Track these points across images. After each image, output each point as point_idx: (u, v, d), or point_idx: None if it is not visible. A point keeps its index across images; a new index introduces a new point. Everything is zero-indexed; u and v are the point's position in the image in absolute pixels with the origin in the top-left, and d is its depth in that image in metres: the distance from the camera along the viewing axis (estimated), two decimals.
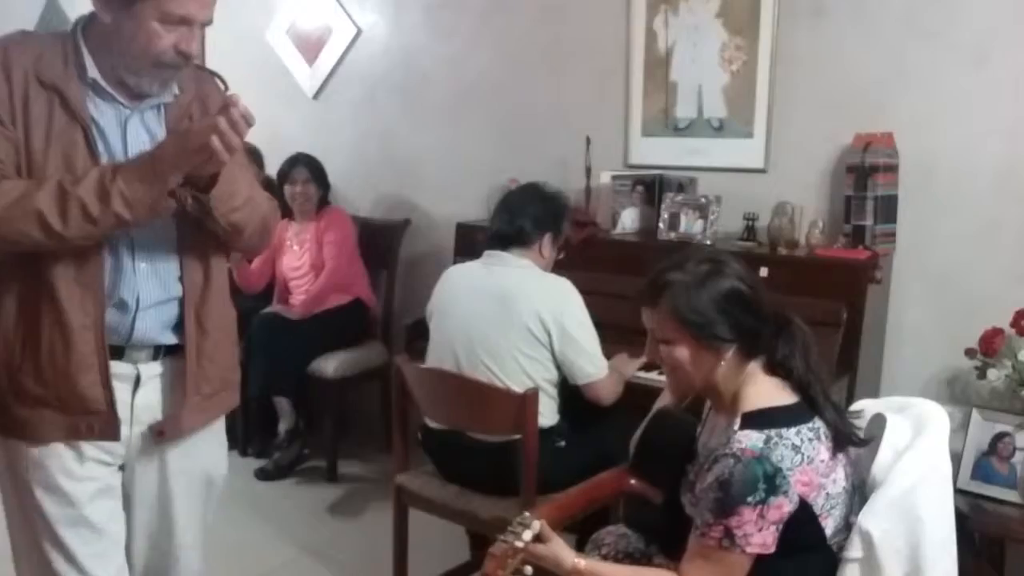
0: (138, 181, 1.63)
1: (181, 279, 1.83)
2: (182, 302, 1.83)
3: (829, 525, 1.67)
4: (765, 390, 1.74)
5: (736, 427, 1.68)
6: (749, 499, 1.58)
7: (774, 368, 1.76)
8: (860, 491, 1.77)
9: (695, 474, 1.70)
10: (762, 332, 1.75)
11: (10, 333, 1.72)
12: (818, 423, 1.70)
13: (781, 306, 1.84)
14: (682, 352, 1.74)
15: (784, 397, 1.73)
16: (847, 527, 1.71)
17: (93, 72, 1.71)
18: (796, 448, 1.64)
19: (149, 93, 1.77)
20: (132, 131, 1.76)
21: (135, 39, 1.66)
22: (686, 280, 1.73)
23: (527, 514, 1.75)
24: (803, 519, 1.63)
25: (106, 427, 1.76)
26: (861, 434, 1.77)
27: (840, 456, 1.72)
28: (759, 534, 1.59)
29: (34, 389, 1.72)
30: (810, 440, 1.66)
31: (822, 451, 1.67)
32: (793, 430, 1.66)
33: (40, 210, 1.59)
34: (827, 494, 1.66)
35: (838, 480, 1.69)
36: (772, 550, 1.61)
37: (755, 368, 1.76)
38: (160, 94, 1.79)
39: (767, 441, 1.63)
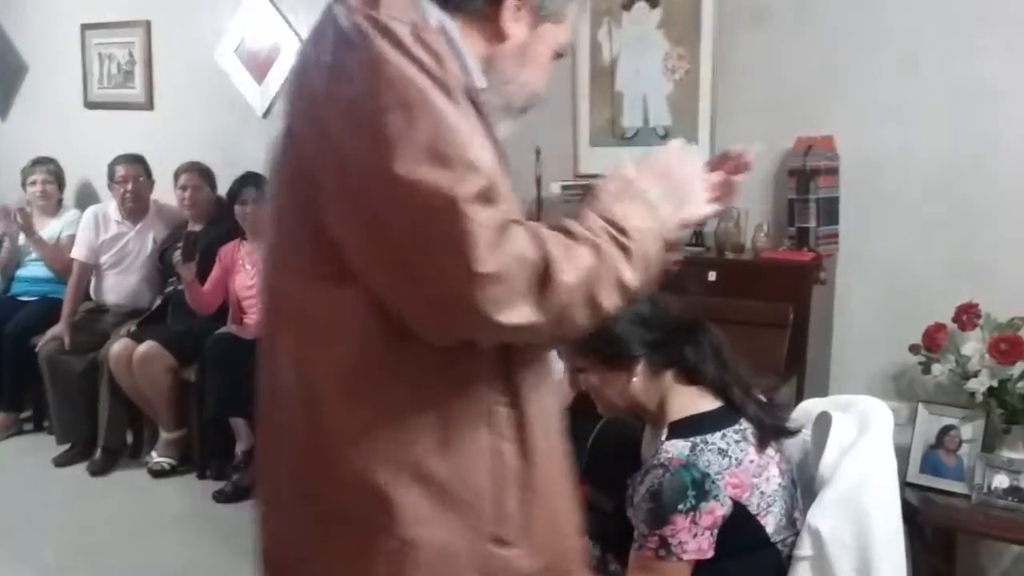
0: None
1: None
2: None
3: (769, 523, 1.70)
4: (687, 399, 1.78)
5: (663, 437, 1.72)
6: (680, 507, 1.60)
7: (691, 376, 1.80)
8: (809, 488, 1.81)
9: (632, 487, 1.72)
10: (668, 342, 1.79)
11: (484, 491, 1.09)
12: (744, 424, 1.73)
13: (692, 312, 1.87)
14: (594, 377, 1.82)
15: (706, 403, 1.77)
16: (791, 524, 1.74)
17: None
18: (723, 452, 1.67)
19: None
20: None
21: (529, 67, 1.22)
22: None
23: None
24: (740, 520, 1.65)
25: None
26: (789, 425, 1.81)
27: (772, 453, 1.74)
28: (694, 540, 1.61)
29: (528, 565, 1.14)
30: (737, 442, 1.69)
31: (751, 452, 1.70)
32: (718, 434, 1.69)
33: (621, 276, 1.07)
34: (761, 493, 1.69)
35: (771, 478, 1.71)
36: (709, 555, 1.63)
37: (672, 378, 1.80)
38: None
39: (693, 448, 1.66)
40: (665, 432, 1.72)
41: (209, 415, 3.77)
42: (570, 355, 1.85)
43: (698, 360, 1.79)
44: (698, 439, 1.68)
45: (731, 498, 1.64)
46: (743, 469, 1.67)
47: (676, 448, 1.67)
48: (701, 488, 1.61)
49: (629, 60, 3.45)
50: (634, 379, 1.79)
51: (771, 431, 1.75)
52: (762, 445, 1.72)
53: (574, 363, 1.85)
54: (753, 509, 1.67)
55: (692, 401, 1.77)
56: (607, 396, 1.84)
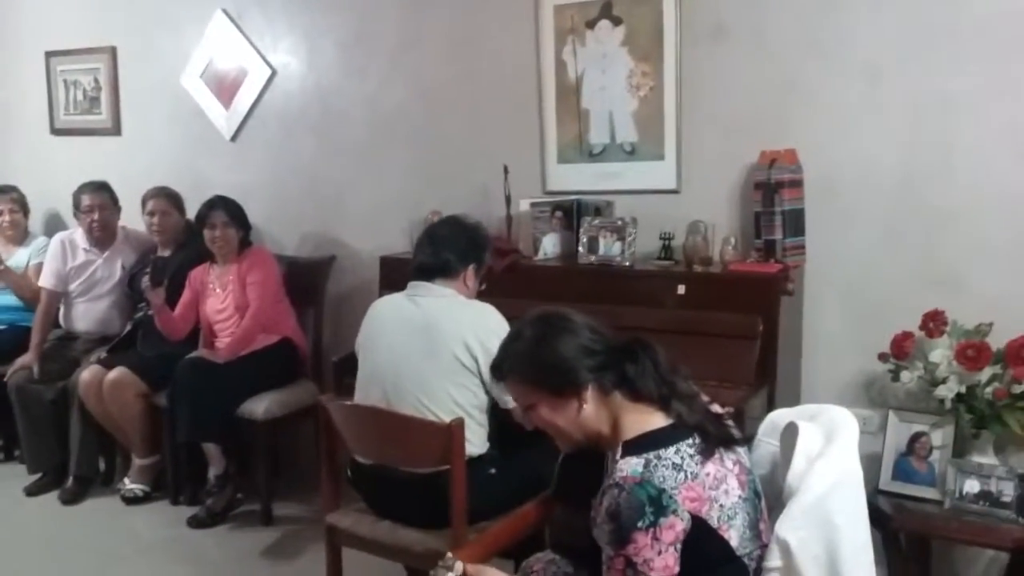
0: None
1: None
2: None
3: (733, 537, 1.69)
4: (639, 417, 1.79)
5: (617, 456, 1.72)
6: (639, 524, 1.60)
7: (638, 394, 1.81)
8: (779, 499, 1.81)
9: (594, 509, 1.72)
10: (610, 365, 1.81)
11: None
12: (699, 438, 1.74)
13: (631, 334, 1.91)
14: (545, 410, 1.84)
15: (658, 420, 1.77)
16: (756, 536, 1.74)
17: None
18: (677, 466, 1.67)
19: None
20: None
21: None
22: (521, 347, 1.86)
23: (449, 555, 1.77)
24: (702, 534, 1.65)
25: None
26: (737, 435, 1.81)
27: (730, 465, 1.75)
28: (659, 557, 1.61)
29: None
30: (691, 456, 1.70)
31: (707, 465, 1.70)
32: (672, 449, 1.70)
33: None
34: (720, 506, 1.69)
35: (731, 490, 1.71)
36: (676, 571, 1.62)
37: (621, 399, 1.81)
38: None
39: (647, 464, 1.67)
40: (619, 451, 1.73)
41: (180, 440, 3.73)
42: (519, 392, 1.88)
43: (638, 376, 1.80)
44: (651, 455, 1.68)
45: (689, 512, 1.64)
46: (699, 482, 1.67)
47: (630, 466, 1.67)
48: (658, 503, 1.61)
49: (594, 77, 3.48)
50: (585, 405, 1.80)
51: (716, 441, 1.75)
52: (708, 456, 1.72)
53: (525, 399, 1.87)
54: (714, 523, 1.67)
55: (644, 419, 1.78)
56: (562, 428, 1.84)
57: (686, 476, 1.66)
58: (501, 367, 1.90)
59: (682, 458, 1.69)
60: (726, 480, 1.71)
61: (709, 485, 1.68)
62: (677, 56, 3.28)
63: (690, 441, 1.72)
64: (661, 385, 1.80)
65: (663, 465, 1.67)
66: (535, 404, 1.86)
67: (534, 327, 1.87)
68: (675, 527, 1.62)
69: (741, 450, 1.82)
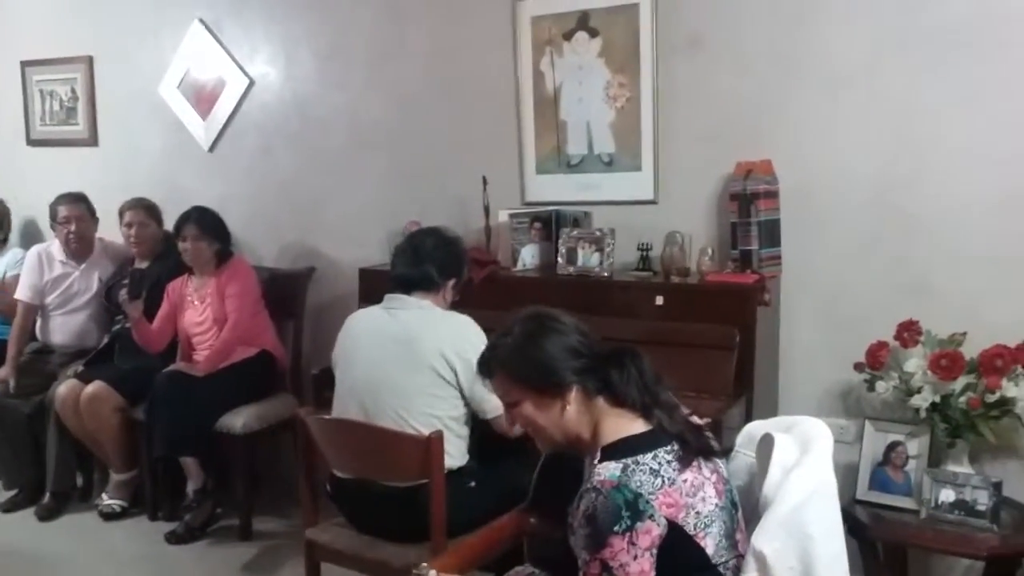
0: None
1: None
2: None
3: (709, 544, 1.70)
4: (619, 422, 1.80)
5: (596, 460, 1.73)
6: (616, 528, 1.61)
7: (620, 400, 1.82)
8: (755, 510, 1.82)
9: (571, 514, 1.73)
10: (595, 368, 1.82)
11: None
12: (677, 445, 1.75)
13: (622, 343, 1.93)
14: (529, 408, 1.84)
15: (638, 426, 1.79)
16: (733, 546, 1.75)
17: None
18: (655, 472, 1.68)
19: None
20: None
21: None
22: (512, 343, 1.87)
23: (424, 564, 1.76)
24: (678, 541, 1.66)
25: None
26: (716, 447, 1.83)
27: (708, 474, 1.76)
28: (635, 562, 1.61)
29: None
30: (669, 462, 1.71)
31: (685, 472, 1.71)
32: (650, 455, 1.71)
33: None
34: (697, 513, 1.69)
35: (708, 498, 1.72)
36: None
37: (603, 404, 1.82)
38: None
39: (624, 469, 1.68)
40: (598, 456, 1.74)
41: (158, 454, 3.70)
42: (504, 389, 1.88)
43: (622, 383, 1.81)
44: (629, 460, 1.69)
45: (666, 518, 1.65)
46: (676, 489, 1.68)
47: (608, 470, 1.68)
48: (635, 508, 1.62)
49: (572, 89, 3.49)
50: (568, 407, 1.81)
51: (695, 451, 1.77)
52: (686, 463, 1.73)
53: (510, 396, 1.87)
54: (690, 530, 1.68)
55: (624, 424, 1.79)
56: (544, 428, 1.85)
57: (663, 482, 1.67)
58: (489, 362, 1.91)
59: (660, 464, 1.70)
60: (703, 488, 1.72)
61: (686, 492, 1.69)
62: (653, 68, 3.29)
63: (668, 448, 1.73)
64: (644, 393, 1.81)
65: (641, 470, 1.68)
66: (519, 401, 1.86)
67: (524, 324, 1.88)
68: (651, 532, 1.63)
69: (719, 460, 1.83)
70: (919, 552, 2.83)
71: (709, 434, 1.86)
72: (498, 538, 2.17)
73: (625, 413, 1.81)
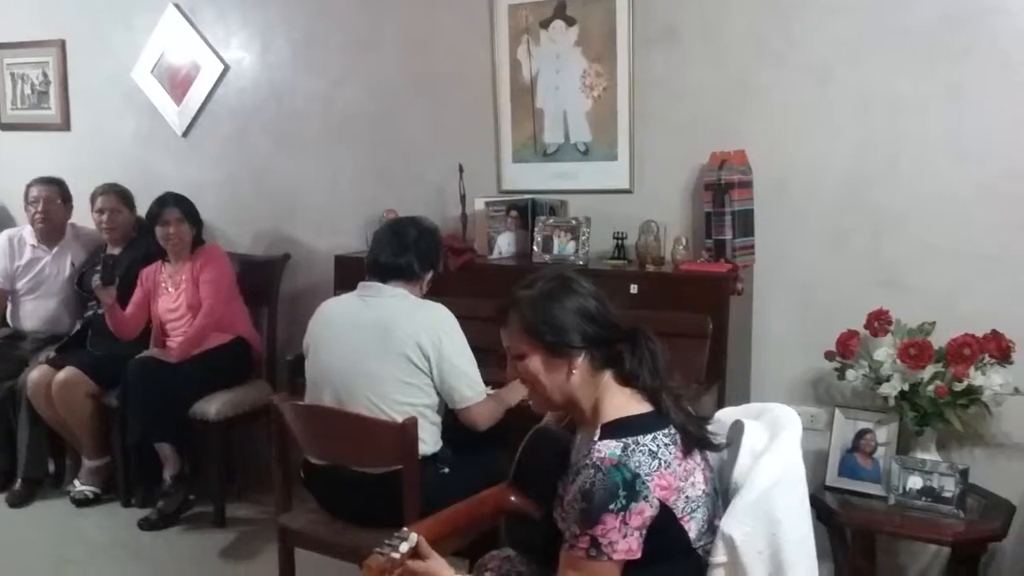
0: None
1: None
2: None
3: (692, 528, 1.72)
4: (621, 401, 1.80)
5: (596, 438, 1.74)
6: (611, 506, 1.63)
7: (627, 379, 1.83)
8: (726, 495, 1.84)
9: (564, 488, 1.74)
10: (611, 341, 1.82)
11: None
12: (674, 429, 1.77)
13: (635, 320, 1.91)
14: (535, 363, 1.83)
15: (640, 406, 1.80)
16: (711, 530, 1.77)
17: None
18: (653, 454, 1.70)
19: None
20: None
21: None
22: (532, 295, 1.85)
23: (405, 528, 1.77)
24: (666, 523, 1.68)
25: None
26: (715, 440, 1.84)
27: (698, 461, 1.78)
28: (624, 540, 1.63)
29: None
30: (666, 445, 1.72)
31: (679, 456, 1.73)
32: (649, 436, 1.72)
33: None
34: (686, 497, 1.72)
35: (697, 484, 1.74)
36: (638, 555, 1.65)
37: (609, 379, 1.83)
38: None
39: (624, 448, 1.69)
40: (598, 432, 1.75)
41: (132, 441, 3.68)
42: (515, 339, 1.85)
43: (634, 364, 1.82)
44: (630, 440, 1.70)
45: (659, 499, 1.67)
46: (671, 472, 1.70)
47: (608, 448, 1.69)
48: (632, 488, 1.64)
49: (548, 77, 3.49)
50: (574, 372, 1.81)
51: (694, 441, 1.79)
52: (683, 450, 1.76)
53: (518, 348, 1.84)
54: (679, 512, 1.70)
55: (626, 403, 1.80)
56: (545, 388, 1.84)
57: (660, 464, 1.69)
58: (506, 310, 1.88)
59: (658, 446, 1.71)
60: (693, 473, 1.75)
61: (679, 476, 1.71)
62: (630, 57, 3.30)
63: (667, 431, 1.75)
64: (654, 377, 1.82)
65: (640, 451, 1.69)
66: (526, 355, 1.84)
67: (546, 282, 1.87)
68: (644, 513, 1.65)
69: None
70: (887, 538, 2.87)
71: (709, 427, 1.88)
72: (479, 511, 2.16)
73: (630, 392, 1.82)
